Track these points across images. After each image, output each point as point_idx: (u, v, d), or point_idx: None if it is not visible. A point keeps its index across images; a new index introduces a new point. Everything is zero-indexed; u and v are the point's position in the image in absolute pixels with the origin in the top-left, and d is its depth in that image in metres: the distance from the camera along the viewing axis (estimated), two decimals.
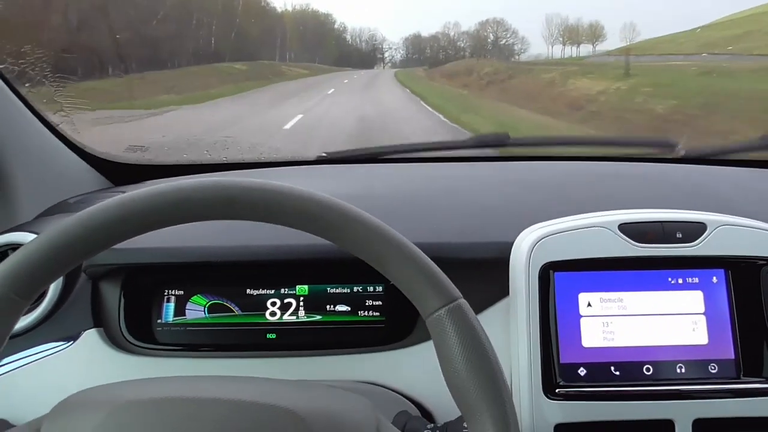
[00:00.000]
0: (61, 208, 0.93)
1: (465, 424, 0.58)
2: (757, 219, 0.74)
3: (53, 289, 0.78)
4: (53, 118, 1.02)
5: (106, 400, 0.50)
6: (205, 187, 0.50)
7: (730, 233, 0.71)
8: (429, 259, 0.50)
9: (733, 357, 0.70)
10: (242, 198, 0.50)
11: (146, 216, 0.49)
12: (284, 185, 0.50)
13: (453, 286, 0.50)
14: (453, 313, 0.48)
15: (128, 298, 0.79)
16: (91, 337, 0.77)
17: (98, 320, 0.78)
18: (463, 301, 0.49)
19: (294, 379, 0.73)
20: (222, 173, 1.07)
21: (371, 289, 0.79)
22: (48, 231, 0.48)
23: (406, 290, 0.50)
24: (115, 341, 0.77)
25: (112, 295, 0.79)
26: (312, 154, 1.12)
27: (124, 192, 1.00)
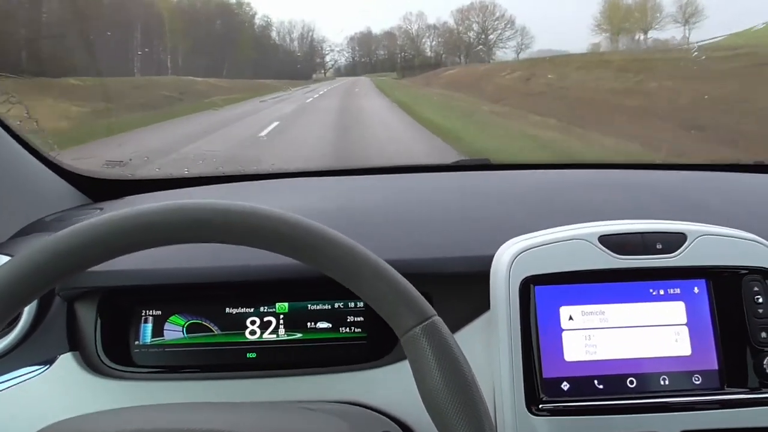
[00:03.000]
0: (37, 226, 0.92)
1: None
2: (733, 224, 0.74)
3: (27, 312, 0.76)
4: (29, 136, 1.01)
5: None
6: (173, 211, 0.49)
7: (711, 243, 0.71)
8: (401, 276, 0.50)
9: (716, 368, 0.70)
10: (212, 221, 0.49)
11: (115, 241, 0.48)
12: (253, 206, 0.50)
13: (427, 303, 0.49)
14: (427, 330, 0.48)
15: (104, 320, 0.78)
16: (67, 361, 0.75)
17: (74, 343, 0.77)
18: (437, 319, 0.49)
19: (275, 400, 0.72)
20: (200, 188, 1.06)
21: (352, 305, 0.78)
22: (14, 258, 0.47)
23: (380, 309, 0.49)
24: (91, 365, 0.76)
25: (88, 317, 0.78)
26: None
27: (102, 209, 0.99)
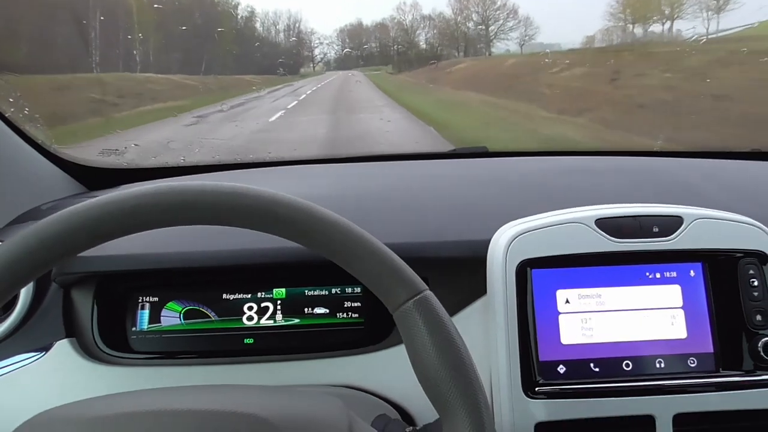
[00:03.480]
0: (33, 214, 0.92)
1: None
2: (729, 209, 0.74)
3: (23, 298, 0.76)
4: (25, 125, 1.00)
5: (72, 419, 0.48)
6: (160, 193, 0.48)
7: (707, 226, 0.71)
8: (393, 253, 0.50)
9: (712, 350, 0.70)
10: (199, 202, 0.48)
11: (101, 225, 0.48)
12: (241, 186, 0.49)
13: (418, 278, 0.49)
14: (420, 304, 0.48)
15: (101, 306, 0.77)
16: (63, 347, 0.75)
17: (70, 330, 0.77)
18: (429, 293, 0.49)
19: (273, 384, 0.73)
20: (197, 176, 1.06)
21: (349, 290, 0.78)
22: (3, 244, 0.47)
23: (372, 285, 0.49)
24: (88, 351, 0.76)
25: (85, 303, 0.78)
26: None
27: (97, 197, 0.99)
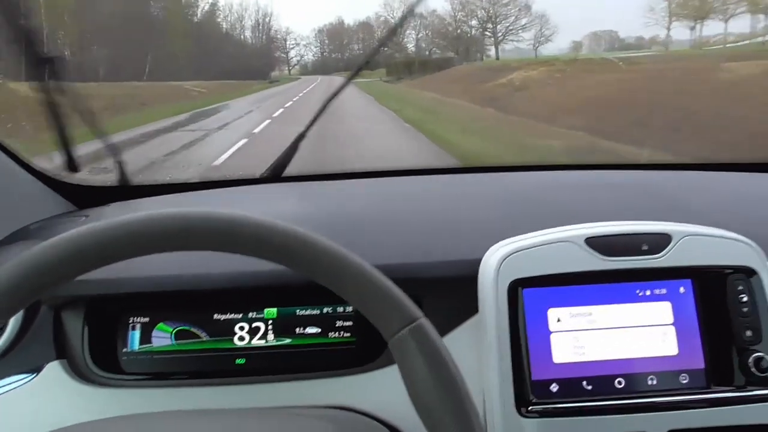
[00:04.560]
0: (21, 234, 0.91)
1: None
2: (716, 223, 0.75)
3: (13, 320, 0.75)
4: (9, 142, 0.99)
5: None
6: (156, 220, 0.48)
7: (695, 243, 0.71)
8: (387, 279, 0.50)
9: (703, 366, 0.70)
10: (194, 229, 0.48)
11: (99, 251, 0.48)
12: (234, 213, 0.49)
13: (414, 305, 0.49)
14: (415, 333, 0.48)
15: (92, 328, 0.77)
16: (54, 369, 0.75)
17: (61, 351, 0.76)
18: (424, 320, 0.49)
19: (265, 406, 0.72)
20: (186, 194, 1.05)
21: (341, 309, 0.78)
22: None
23: (367, 313, 0.49)
24: (79, 372, 0.75)
25: (75, 324, 0.77)
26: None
27: (87, 216, 0.98)
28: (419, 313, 0.49)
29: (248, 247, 0.49)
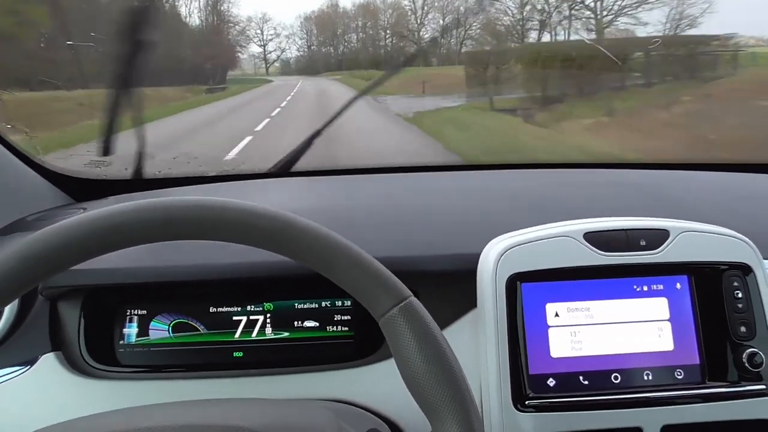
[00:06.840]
0: (19, 226, 0.90)
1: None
2: (710, 221, 0.75)
3: (8, 311, 0.75)
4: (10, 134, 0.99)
5: None
6: (140, 209, 0.48)
7: (692, 239, 0.72)
8: (376, 260, 0.50)
9: (698, 362, 0.71)
10: (179, 217, 0.48)
11: (86, 242, 0.48)
12: (221, 200, 0.49)
13: (402, 284, 0.50)
14: (405, 311, 0.48)
15: (88, 319, 0.77)
16: (49, 361, 0.74)
17: (57, 343, 0.76)
18: (414, 299, 0.49)
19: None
20: (184, 188, 1.05)
21: (339, 303, 0.78)
22: None
23: (356, 294, 0.49)
24: (74, 365, 0.75)
25: (72, 316, 0.77)
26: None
27: (85, 208, 0.98)
28: (408, 292, 0.49)
29: (235, 233, 0.49)
